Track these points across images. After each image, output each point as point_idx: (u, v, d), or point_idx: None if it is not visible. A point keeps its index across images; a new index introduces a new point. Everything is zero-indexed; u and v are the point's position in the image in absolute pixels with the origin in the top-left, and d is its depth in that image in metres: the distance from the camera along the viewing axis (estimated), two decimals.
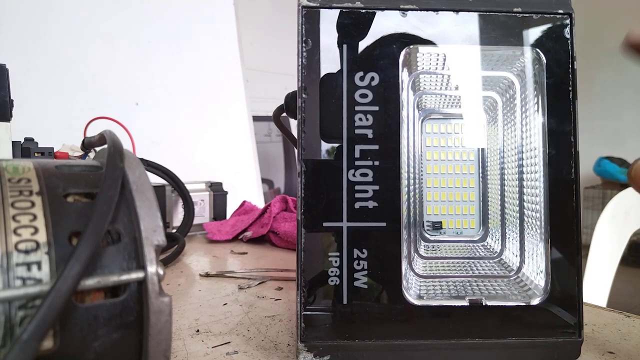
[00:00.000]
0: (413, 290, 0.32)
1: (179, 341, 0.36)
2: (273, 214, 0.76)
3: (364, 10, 0.31)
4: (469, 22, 0.32)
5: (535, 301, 0.31)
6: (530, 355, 0.31)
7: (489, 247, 0.35)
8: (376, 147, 0.31)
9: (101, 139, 0.26)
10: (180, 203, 0.78)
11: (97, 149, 0.31)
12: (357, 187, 0.31)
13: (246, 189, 1.41)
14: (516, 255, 0.33)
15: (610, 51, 2.80)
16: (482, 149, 0.35)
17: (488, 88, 0.34)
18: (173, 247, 0.65)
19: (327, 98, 0.31)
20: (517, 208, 0.33)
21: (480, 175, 0.35)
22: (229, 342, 0.35)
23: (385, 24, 0.31)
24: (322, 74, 0.31)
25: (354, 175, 0.31)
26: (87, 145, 0.46)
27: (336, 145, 0.31)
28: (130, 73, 1.27)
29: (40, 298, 0.17)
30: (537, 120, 0.32)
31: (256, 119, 1.71)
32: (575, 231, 0.31)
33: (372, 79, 0.31)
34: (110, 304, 0.19)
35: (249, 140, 1.50)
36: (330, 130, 0.31)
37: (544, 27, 0.32)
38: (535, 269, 0.32)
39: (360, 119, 0.31)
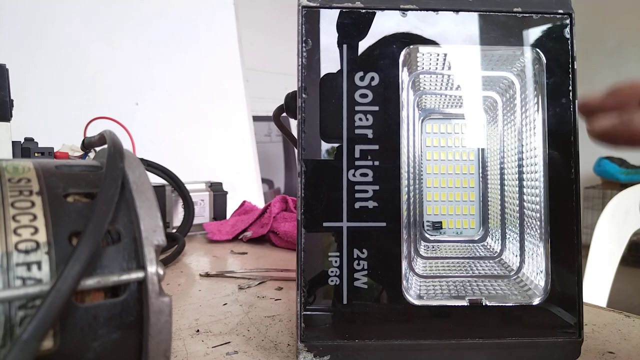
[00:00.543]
0: (413, 290, 0.32)
1: (179, 341, 0.36)
2: (273, 214, 0.76)
3: (364, 10, 0.31)
4: (469, 22, 0.32)
5: (535, 301, 0.31)
6: (530, 355, 0.31)
7: (489, 247, 0.35)
8: (376, 147, 0.31)
9: (101, 139, 0.26)
10: (180, 203, 0.78)
11: (97, 149, 0.31)
12: (357, 187, 0.31)
13: (246, 189, 1.40)
14: (516, 255, 0.33)
15: (610, 51, 2.80)
16: (482, 149, 0.35)
17: (488, 88, 0.34)
18: (173, 247, 0.65)
19: (327, 98, 0.31)
20: (517, 208, 0.33)
21: (480, 175, 0.35)
22: (229, 342, 0.35)
23: (385, 24, 0.31)
24: (322, 74, 0.31)
25: (354, 175, 0.31)
26: (87, 145, 0.46)
27: (336, 145, 0.31)
28: (130, 73, 1.27)
29: (40, 298, 0.17)
30: (537, 120, 0.32)
31: (256, 119, 1.71)
32: (575, 231, 0.31)
33: (372, 79, 0.31)
34: (110, 304, 0.19)
35: (249, 140, 1.50)
36: (330, 130, 0.31)
37: (544, 27, 0.32)
38: (535, 269, 0.32)
39: (360, 119, 0.31)
